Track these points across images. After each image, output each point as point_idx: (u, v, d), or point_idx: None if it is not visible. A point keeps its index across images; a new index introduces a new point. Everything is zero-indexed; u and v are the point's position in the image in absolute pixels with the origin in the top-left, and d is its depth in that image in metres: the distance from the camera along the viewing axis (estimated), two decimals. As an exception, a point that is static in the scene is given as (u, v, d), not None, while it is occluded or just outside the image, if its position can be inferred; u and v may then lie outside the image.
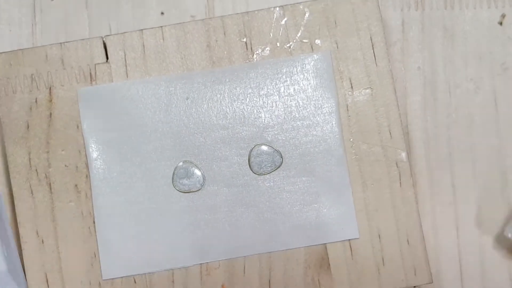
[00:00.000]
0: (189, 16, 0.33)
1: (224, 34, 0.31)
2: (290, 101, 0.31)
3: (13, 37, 0.34)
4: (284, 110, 0.30)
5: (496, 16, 0.33)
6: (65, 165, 0.30)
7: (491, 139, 0.33)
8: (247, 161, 0.30)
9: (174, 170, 0.30)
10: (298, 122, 0.30)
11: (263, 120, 0.30)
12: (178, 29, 0.31)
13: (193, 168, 0.30)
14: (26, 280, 0.30)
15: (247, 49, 0.31)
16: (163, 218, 0.30)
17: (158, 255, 0.30)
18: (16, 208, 0.30)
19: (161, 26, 0.31)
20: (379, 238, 0.30)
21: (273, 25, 0.31)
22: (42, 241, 0.30)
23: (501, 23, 0.33)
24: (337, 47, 0.31)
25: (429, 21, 0.33)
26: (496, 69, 0.33)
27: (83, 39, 0.31)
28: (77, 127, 0.30)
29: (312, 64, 0.31)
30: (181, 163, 0.30)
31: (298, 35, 0.31)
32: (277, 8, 0.31)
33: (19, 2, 0.34)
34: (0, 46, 0.34)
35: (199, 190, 0.30)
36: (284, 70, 0.31)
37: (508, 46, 0.33)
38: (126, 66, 0.31)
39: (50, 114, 0.30)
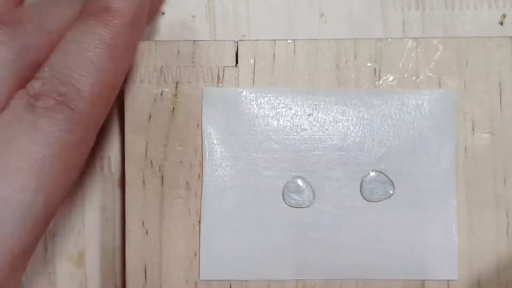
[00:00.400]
0: (190, 16, 0.33)
1: (355, 57, 0.31)
2: (412, 134, 0.31)
3: None
4: (404, 142, 0.31)
5: (496, 16, 0.33)
6: (180, 161, 0.31)
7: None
8: (359, 186, 0.30)
9: (286, 183, 0.30)
10: (416, 156, 0.30)
11: (381, 149, 0.31)
12: (310, 45, 0.31)
13: (305, 184, 0.30)
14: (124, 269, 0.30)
15: (375, 75, 0.31)
16: (268, 229, 0.30)
17: (257, 264, 0.30)
18: (126, 195, 0.30)
19: (294, 40, 0.31)
20: (478, 284, 0.30)
21: (404, 55, 0.31)
22: (147, 232, 0.30)
23: (501, 23, 0.33)
24: (465, 87, 0.31)
25: (429, 21, 0.33)
26: None
27: (216, 40, 0.31)
28: (197, 125, 0.31)
29: (438, 100, 0.31)
30: (293, 177, 0.30)
31: (427, 69, 0.31)
32: (410, 40, 0.31)
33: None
34: None
35: (307, 206, 0.30)
36: (410, 102, 0.31)
37: None
38: (254, 73, 0.31)
39: (173, 108, 0.31)
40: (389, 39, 0.31)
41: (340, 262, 0.30)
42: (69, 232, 0.32)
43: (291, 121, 0.31)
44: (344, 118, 0.31)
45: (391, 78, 0.31)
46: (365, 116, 0.31)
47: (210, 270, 0.30)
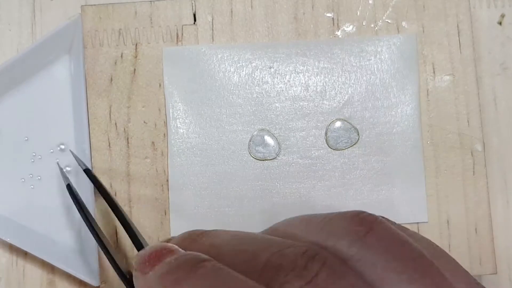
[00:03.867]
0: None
1: (312, 7, 0.31)
2: (373, 80, 0.31)
3: (13, 37, 0.33)
4: (365, 88, 0.31)
5: (495, 16, 0.33)
6: (144, 122, 0.31)
7: (490, 138, 0.33)
8: (324, 134, 0.31)
9: (251, 136, 0.31)
10: (378, 102, 0.31)
11: (343, 96, 0.31)
12: (267, -1, 0.31)
13: (270, 137, 0.31)
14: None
15: (333, 24, 0.31)
16: (236, 183, 0.30)
17: (227, 218, 0.30)
18: (92, 159, 0.31)
19: (251, -6, 0.31)
20: (448, 224, 0.30)
21: (361, 3, 0.31)
22: (115, 194, 0.30)
23: (500, 23, 0.33)
24: (423, 31, 0.31)
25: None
26: (495, 69, 0.33)
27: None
28: (160, 85, 0.31)
29: (397, 45, 0.31)
30: (258, 131, 0.31)
31: (385, 16, 0.31)
32: (367, -13, 0.31)
33: (19, 2, 0.34)
34: (0, 46, 0.34)
35: (274, 159, 0.31)
36: (369, 49, 0.31)
37: (508, 46, 0.33)
38: (212, 30, 0.31)
39: (134, 70, 0.31)
40: (345, -12, 0.31)
41: (310, 212, 0.30)
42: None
43: (252, 74, 0.31)
44: (305, 68, 0.31)
45: (350, 27, 0.31)
46: (326, 66, 0.31)
47: (181, 228, 0.30)
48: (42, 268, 0.32)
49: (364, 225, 0.19)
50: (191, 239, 0.22)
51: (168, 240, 0.23)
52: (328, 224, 0.20)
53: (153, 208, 0.30)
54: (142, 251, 0.21)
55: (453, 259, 0.21)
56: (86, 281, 0.30)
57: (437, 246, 0.22)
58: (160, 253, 0.21)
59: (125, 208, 0.30)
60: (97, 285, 0.30)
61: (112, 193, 0.30)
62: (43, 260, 0.31)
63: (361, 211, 0.20)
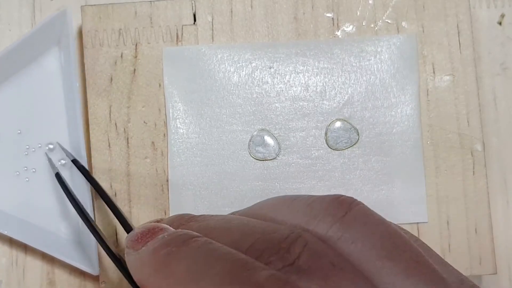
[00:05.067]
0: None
1: (312, 7, 0.31)
2: (373, 80, 0.31)
3: (13, 37, 0.33)
4: (365, 88, 0.31)
5: (495, 16, 0.33)
6: (144, 122, 0.31)
7: (490, 139, 0.33)
8: (324, 135, 0.31)
9: (251, 136, 0.31)
10: (378, 102, 0.31)
11: (343, 96, 0.31)
12: (267, -1, 0.31)
13: (270, 137, 0.31)
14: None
15: (333, 24, 0.31)
16: (236, 183, 0.30)
17: (227, 219, 0.30)
18: (92, 159, 0.31)
19: (251, -6, 0.31)
20: (448, 224, 0.30)
21: (361, 3, 0.31)
22: (115, 194, 0.30)
23: (500, 23, 0.33)
24: (423, 31, 0.31)
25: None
26: (495, 69, 0.33)
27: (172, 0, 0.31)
28: (159, 85, 0.31)
29: (397, 45, 0.31)
30: (258, 131, 0.31)
31: (385, 16, 0.31)
32: (367, -13, 0.31)
33: (19, 2, 0.33)
34: (0, 46, 0.33)
35: (274, 159, 0.31)
36: (369, 49, 0.31)
37: (507, 46, 0.33)
38: (212, 30, 0.31)
39: (134, 70, 0.31)
40: (345, -12, 0.31)
41: (310, 212, 0.30)
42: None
43: (252, 74, 0.31)
44: (305, 68, 0.31)
45: (350, 27, 0.31)
46: (326, 66, 0.31)
47: (180, 228, 0.30)
48: (42, 268, 0.32)
49: (343, 207, 0.20)
50: (180, 223, 0.23)
51: (158, 221, 0.24)
52: (309, 208, 0.21)
53: (153, 208, 0.30)
54: (133, 231, 0.22)
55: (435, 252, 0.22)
56: (85, 271, 0.30)
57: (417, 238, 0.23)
58: (153, 231, 0.22)
59: (125, 208, 0.30)
60: (97, 273, 0.30)
61: (112, 194, 0.30)
62: (42, 259, 0.31)
63: (340, 194, 0.21)
